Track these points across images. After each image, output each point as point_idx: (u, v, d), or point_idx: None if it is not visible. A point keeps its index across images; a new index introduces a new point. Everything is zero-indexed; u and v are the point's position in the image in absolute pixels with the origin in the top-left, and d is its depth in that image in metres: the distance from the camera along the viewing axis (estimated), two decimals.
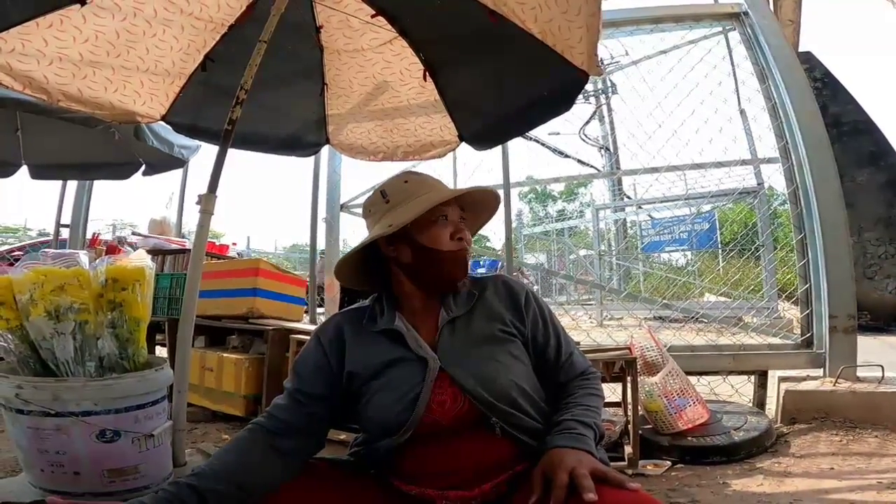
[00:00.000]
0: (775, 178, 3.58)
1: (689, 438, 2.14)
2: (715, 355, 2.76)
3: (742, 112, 4.32)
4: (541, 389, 0.98)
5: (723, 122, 3.68)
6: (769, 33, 3.15)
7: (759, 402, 2.70)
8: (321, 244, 4.08)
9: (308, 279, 3.95)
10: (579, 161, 12.17)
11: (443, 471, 0.87)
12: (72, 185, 4.54)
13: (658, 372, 2.30)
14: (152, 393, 1.30)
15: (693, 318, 3.62)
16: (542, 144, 10.48)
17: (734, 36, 3.57)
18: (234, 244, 8.91)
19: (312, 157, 3.56)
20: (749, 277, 6.06)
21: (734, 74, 3.88)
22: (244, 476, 0.84)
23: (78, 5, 1.82)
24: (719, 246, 8.00)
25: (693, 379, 2.43)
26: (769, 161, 3.36)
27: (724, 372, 2.76)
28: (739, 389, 2.77)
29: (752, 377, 2.77)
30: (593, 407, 0.95)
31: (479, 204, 1.08)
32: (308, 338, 2.43)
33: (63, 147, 3.83)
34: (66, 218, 4.50)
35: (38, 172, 4.05)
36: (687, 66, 3.67)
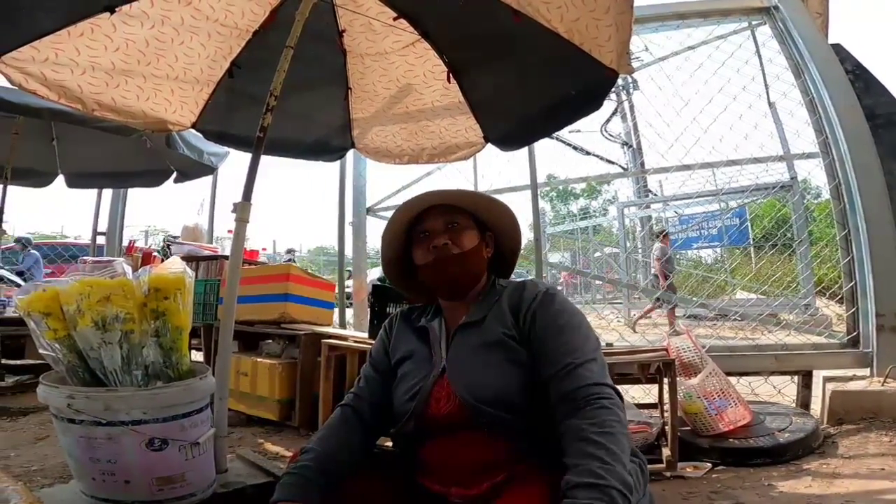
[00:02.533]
0: (814, 172, 3.47)
1: (731, 440, 2.09)
2: (756, 355, 2.69)
3: (772, 106, 4.22)
4: (540, 394, 0.94)
5: (758, 118, 3.61)
6: (802, 27, 3.09)
7: (804, 403, 2.62)
8: (348, 248, 4.11)
9: (336, 283, 3.98)
10: (601, 158, 12.00)
11: (445, 466, 0.96)
12: (107, 193, 4.68)
13: (696, 373, 2.25)
14: (197, 401, 1.31)
15: (728, 316, 3.52)
16: (564, 142, 10.36)
17: (763, 31, 3.51)
18: (264, 249, 9.05)
19: (338, 161, 3.59)
20: (784, 274, 5.87)
21: (763, 70, 3.79)
22: (343, 452, 1.01)
23: (107, 14, 1.85)
24: (751, 242, 7.77)
25: (733, 380, 2.37)
26: (809, 156, 3.26)
27: (765, 372, 2.69)
28: (782, 390, 2.69)
29: (796, 377, 2.69)
30: (604, 457, 0.78)
31: (484, 210, 1.13)
32: (339, 342, 2.47)
33: (97, 156, 3.96)
34: (102, 226, 4.64)
35: (74, 181, 4.18)
36: (717, 61, 3.61)
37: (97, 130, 2.90)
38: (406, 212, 1.12)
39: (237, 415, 2.75)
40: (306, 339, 2.63)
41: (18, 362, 3.52)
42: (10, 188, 3.56)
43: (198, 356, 3.20)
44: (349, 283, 4.23)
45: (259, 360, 2.73)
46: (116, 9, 1.84)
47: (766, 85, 3.89)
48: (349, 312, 4.09)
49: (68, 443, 1.21)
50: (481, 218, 1.14)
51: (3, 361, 3.28)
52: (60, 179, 4.13)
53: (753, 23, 3.55)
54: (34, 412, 2.75)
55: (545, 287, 1.05)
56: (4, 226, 3.49)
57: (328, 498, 0.94)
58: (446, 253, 1.06)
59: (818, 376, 2.63)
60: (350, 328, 3.76)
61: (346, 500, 0.95)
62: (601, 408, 0.85)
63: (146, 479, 1.21)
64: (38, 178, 4.05)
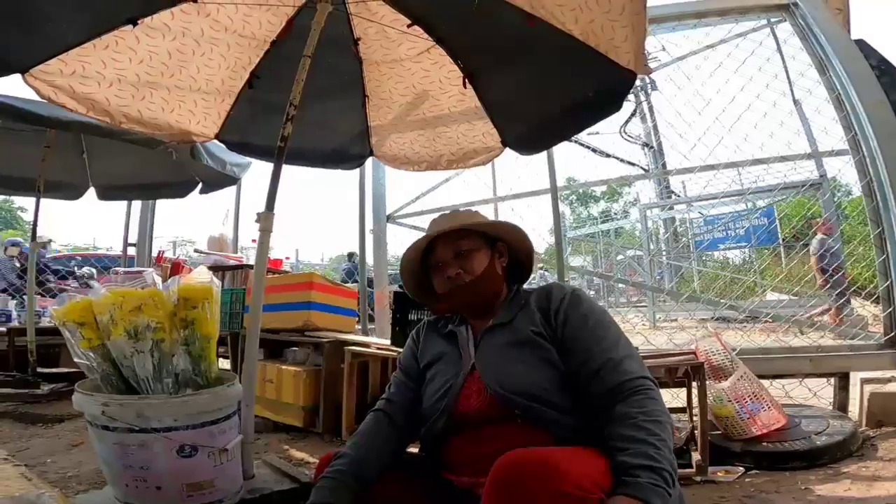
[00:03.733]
0: (844, 170, 3.36)
1: (765, 444, 2.04)
2: (790, 357, 2.60)
3: (797, 103, 4.13)
4: (569, 390, 0.98)
5: (783, 116, 3.54)
6: (823, 23, 3.04)
7: (841, 406, 2.53)
8: (369, 256, 4.14)
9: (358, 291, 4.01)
10: (621, 160, 11.83)
11: (473, 458, 0.98)
12: (136, 205, 4.81)
13: (726, 376, 2.19)
14: (225, 408, 1.34)
15: (757, 317, 3.42)
16: (583, 145, 10.26)
17: (784, 27, 3.46)
18: (287, 258, 9.18)
19: (357, 169, 3.63)
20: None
21: (785, 67, 3.72)
22: (376, 457, 1.04)
23: (130, 26, 1.90)
24: (780, 242, 7.55)
25: (766, 383, 2.30)
26: (838, 154, 3.17)
27: (800, 375, 2.61)
28: (818, 393, 2.61)
29: (832, 380, 2.60)
30: (656, 443, 0.84)
31: (487, 226, 1.17)
32: (361, 349, 2.49)
33: (126, 168, 4.04)
34: (133, 237, 4.77)
35: (105, 194, 4.26)
36: (737, 59, 3.55)
37: (125, 143, 2.95)
38: (415, 250, 1.18)
39: (263, 421, 2.79)
40: (330, 346, 2.65)
41: (54, 370, 3.64)
42: (44, 201, 3.64)
43: (224, 364, 3.26)
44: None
45: (284, 367, 2.76)
46: (139, 21, 1.89)
47: (789, 82, 3.81)
48: (371, 320, 4.11)
49: (103, 449, 1.25)
50: (488, 232, 1.17)
51: (39, 370, 3.38)
52: (91, 192, 4.22)
53: (773, 20, 3.51)
54: (69, 419, 2.84)
55: (571, 288, 1.09)
56: (39, 239, 3.60)
57: (361, 501, 0.97)
58: (460, 282, 1.11)
59: (855, 378, 2.54)
60: (372, 335, 3.78)
61: (377, 502, 0.99)
62: (648, 398, 0.90)
63: (177, 484, 1.24)
64: (70, 190, 4.15)
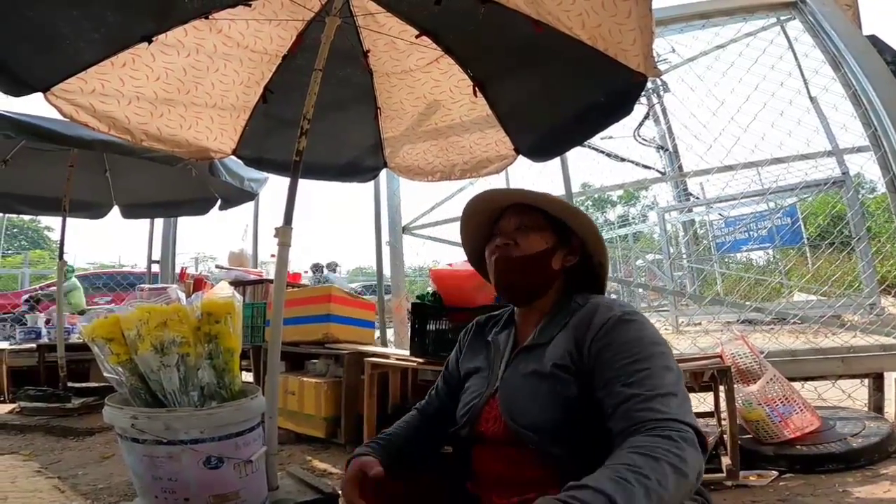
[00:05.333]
0: (867, 166, 3.28)
1: (798, 447, 2.00)
2: (820, 359, 2.52)
3: (814, 101, 4.06)
4: (590, 426, 0.86)
5: (800, 114, 3.49)
6: (833, 19, 3.01)
7: (877, 407, 2.45)
8: (386, 268, 4.16)
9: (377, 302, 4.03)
10: (637, 164, 11.72)
11: (487, 474, 0.98)
12: (158, 222, 4.92)
13: (754, 379, 2.15)
14: (250, 420, 1.36)
15: (786, 319, 3.33)
16: (597, 150, 10.20)
17: (794, 25, 3.44)
18: (306, 272, 9.27)
19: (372, 182, 3.67)
20: (844, 273, 5.52)
21: (798, 65, 3.67)
22: (409, 447, 1.06)
23: (145, 44, 1.94)
24: (805, 241, 7.36)
25: (797, 385, 2.24)
26: (859, 150, 3.11)
27: (832, 376, 2.53)
28: (852, 394, 2.53)
29: (866, 380, 2.51)
30: (636, 468, 0.65)
31: (570, 216, 1.03)
32: (381, 360, 2.50)
33: (148, 186, 4.13)
34: (156, 254, 4.88)
35: (128, 212, 4.37)
36: (749, 58, 3.53)
37: (145, 161, 3.01)
38: (486, 207, 1.08)
39: (286, 433, 2.81)
40: (350, 357, 2.67)
41: (83, 385, 3.74)
42: (70, 220, 3.73)
43: (247, 377, 3.30)
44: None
45: (305, 379, 2.79)
46: (153, 38, 1.94)
47: (804, 80, 3.76)
48: (389, 331, 4.12)
49: (133, 461, 1.27)
50: (566, 223, 1.04)
51: (70, 384, 3.47)
52: (116, 210, 4.33)
53: (782, 18, 3.49)
54: (99, 432, 2.91)
55: (621, 311, 0.92)
56: (65, 257, 3.69)
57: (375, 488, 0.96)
58: (505, 254, 1.01)
59: (890, 378, 2.46)
60: (391, 346, 3.79)
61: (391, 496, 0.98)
62: (666, 437, 0.70)
63: (204, 496, 1.26)
64: (95, 209, 4.25)
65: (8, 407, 3.34)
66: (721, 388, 1.99)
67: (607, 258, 1.07)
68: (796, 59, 3.63)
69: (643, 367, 0.82)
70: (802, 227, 7.55)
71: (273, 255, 4.13)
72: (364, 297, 3.54)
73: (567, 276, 1.06)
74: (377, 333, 3.70)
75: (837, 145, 3.89)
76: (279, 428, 2.84)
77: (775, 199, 6.76)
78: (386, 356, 2.60)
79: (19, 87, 1.86)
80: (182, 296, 1.48)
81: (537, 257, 1.00)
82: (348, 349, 2.74)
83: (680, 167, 10.56)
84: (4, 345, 4.13)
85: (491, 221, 1.09)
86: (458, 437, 1.04)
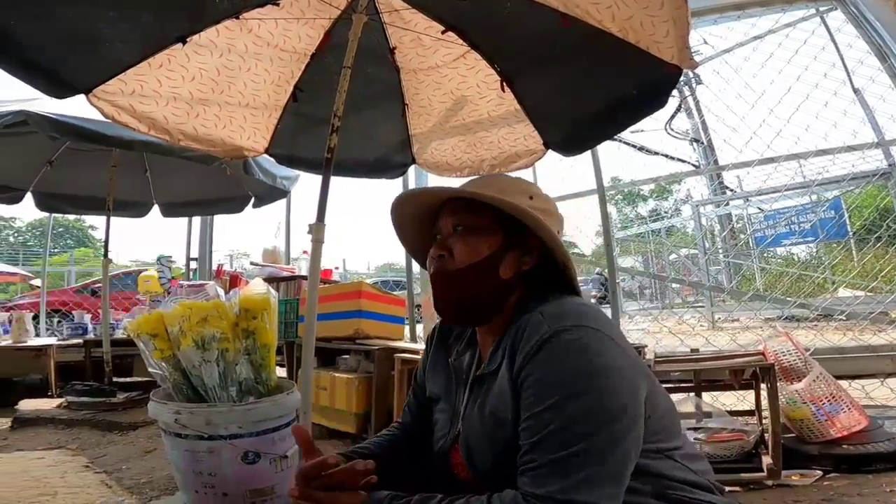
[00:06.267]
0: None
1: (845, 446, 1.93)
2: (869, 357, 2.41)
3: (858, 92, 3.89)
4: None
5: (846, 105, 3.37)
6: (877, 10, 2.90)
7: None
8: (415, 264, 4.16)
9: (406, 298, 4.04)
10: (670, 157, 11.40)
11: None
12: (196, 220, 5.07)
13: (798, 377, 2.07)
14: (285, 416, 1.38)
15: (830, 316, 3.19)
16: (627, 143, 9.97)
17: (835, 16, 3.34)
18: (336, 268, 9.41)
19: (400, 178, 3.68)
20: (893, 267, 5.24)
21: (841, 56, 3.53)
22: (391, 457, 0.95)
23: (180, 45, 1.98)
24: (851, 235, 7.02)
25: (843, 383, 2.15)
26: None
27: (881, 375, 2.42)
28: None
29: None
30: None
31: (508, 207, 0.83)
32: (411, 356, 2.51)
33: (185, 185, 4.26)
34: (194, 251, 5.03)
35: (168, 211, 4.51)
36: (789, 50, 3.42)
37: (182, 160, 3.09)
38: (417, 209, 0.90)
39: (317, 428, 2.85)
40: (380, 353, 2.69)
41: (127, 380, 3.89)
42: (112, 218, 3.87)
43: (281, 372, 3.37)
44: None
45: (337, 374, 2.82)
46: (187, 39, 1.98)
47: (847, 71, 3.61)
48: (419, 326, 4.14)
49: (175, 456, 1.31)
50: (515, 214, 0.83)
51: (115, 379, 3.61)
52: (156, 209, 4.48)
53: (821, 9, 3.36)
54: (142, 426, 3.01)
55: (553, 328, 0.72)
56: (109, 255, 3.82)
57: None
58: (440, 268, 0.84)
59: None
60: (420, 342, 3.80)
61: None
62: None
63: (241, 491, 1.29)
64: (137, 208, 4.41)
65: (56, 402, 3.46)
66: (763, 385, 1.93)
67: (570, 258, 0.86)
68: (838, 50, 3.52)
69: (551, 421, 0.67)
70: (848, 220, 7.21)
71: (305, 252, 4.21)
72: (393, 293, 3.56)
73: (528, 282, 0.86)
74: (407, 329, 3.72)
75: (884, 136, 3.72)
76: (312, 423, 2.92)
77: (819, 192, 6.46)
78: (415, 352, 2.61)
79: (63, 89, 1.93)
80: (221, 292, 1.52)
81: (479, 267, 0.81)
82: (378, 345, 2.76)
83: (716, 161, 10.22)
84: (52, 340, 4.30)
85: (433, 217, 0.90)
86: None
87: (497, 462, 0.76)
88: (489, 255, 0.82)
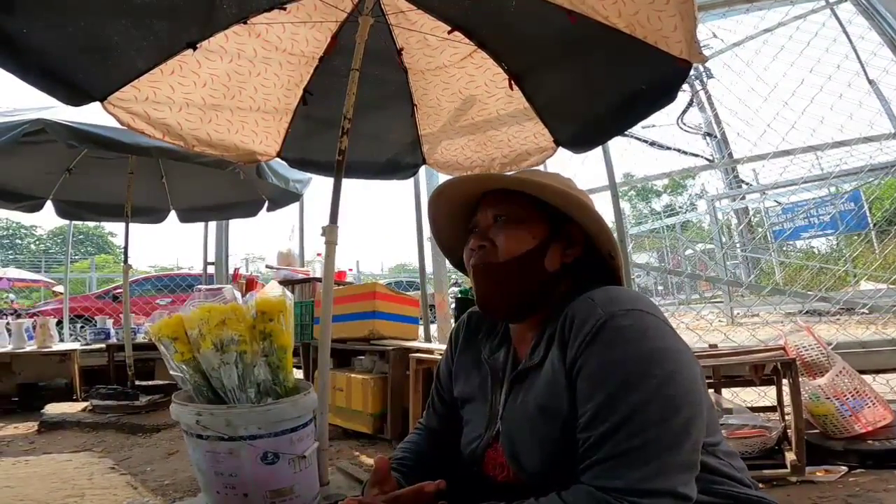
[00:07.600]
0: None
1: (870, 442, 1.91)
2: (894, 351, 2.36)
3: (873, 83, 3.83)
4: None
5: (861, 96, 3.35)
6: (888, 1, 2.86)
7: None
8: (428, 264, 4.18)
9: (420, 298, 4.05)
10: (682, 152, 11.25)
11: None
12: (212, 225, 5.15)
13: (820, 372, 2.03)
14: (303, 416, 1.40)
15: (853, 309, 3.12)
16: (639, 139, 9.86)
17: (846, 7, 3.32)
18: (350, 270, 9.47)
19: (412, 178, 3.69)
20: None
21: (853, 47, 3.47)
22: (418, 459, 0.96)
23: (191, 50, 2.02)
24: (871, 227, 6.86)
25: (867, 378, 2.11)
26: None
27: None
28: None
29: None
30: None
31: (553, 196, 0.80)
32: (425, 356, 2.51)
33: (201, 191, 4.32)
34: (210, 256, 5.10)
35: (185, 216, 4.58)
36: (801, 42, 3.38)
37: (197, 166, 3.13)
38: (456, 197, 0.87)
39: (334, 428, 2.88)
40: (395, 353, 2.70)
41: (149, 383, 3.96)
42: (131, 225, 3.91)
43: (297, 374, 3.40)
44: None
45: (353, 375, 2.84)
46: (197, 45, 2.02)
47: (860, 62, 3.56)
48: (433, 327, 4.15)
49: (197, 457, 1.33)
50: (556, 205, 0.81)
51: (137, 382, 3.68)
52: (173, 215, 4.55)
53: (831, 0, 3.28)
54: (165, 428, 3.06)
55: (609, 311, 0.68)
56: (129, 261, 3.89)
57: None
58: (481, 260, 0.81)
59: None
60: (435, 342, 3.81)
61: None
62: None
63: (261, 492, 1.30)
64: (155, 214, 4.48)
65: (81, 405, 3.53)
66: (785, 381, 1.90)
67: (617, 248, 0.83)
68: (850, 41, 3.46)
69: (617, 410, 0.63)
70: (867, 212, 7.05)
71: (319, 255, 4.25)
72: (407, 293, 3.58)
73: (575, 273, 0.83)
74: (421, 329, 3.73)
75: None
76: (329, 424, 2.94)
77: (837, 184, 6.33)
78: (430, 351, 2.62)
79: (79, 97, 1.97)
80: (238, 295, 1.54)
81: (525, 259, 0.79)
82: (393, 345, 2.77)
83: (730, 154, 10.08)
84: (76, 345, 4.39)
85: (467, 213, 0.88)
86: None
87: (545, 459, 0.73)
88: (535, 247, 0.79)
